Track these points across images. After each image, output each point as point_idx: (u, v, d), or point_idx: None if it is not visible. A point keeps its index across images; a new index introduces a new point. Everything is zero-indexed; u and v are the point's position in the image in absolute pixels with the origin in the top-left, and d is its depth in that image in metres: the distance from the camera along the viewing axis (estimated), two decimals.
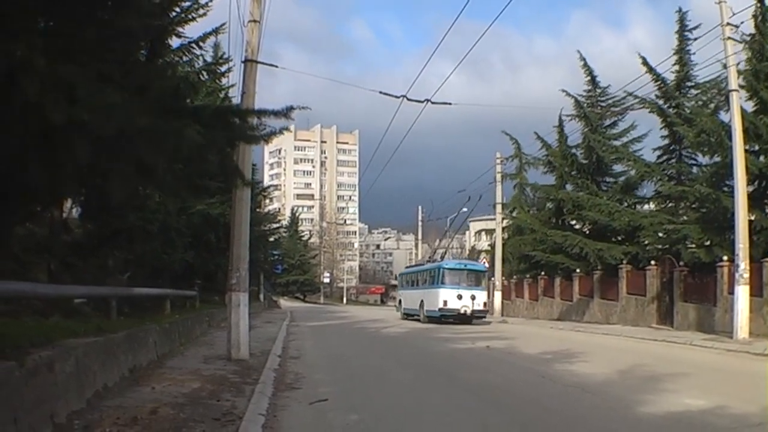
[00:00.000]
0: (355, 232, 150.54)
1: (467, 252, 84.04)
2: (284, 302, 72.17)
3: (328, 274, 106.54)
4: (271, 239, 44.13)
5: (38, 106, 5.30)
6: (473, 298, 28.99)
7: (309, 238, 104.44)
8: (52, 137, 5.92)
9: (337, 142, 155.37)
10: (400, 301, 36.87)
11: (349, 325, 29.11)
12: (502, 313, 38.32)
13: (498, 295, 38.80)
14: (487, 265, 46.28)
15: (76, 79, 5.51)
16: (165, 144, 6.43)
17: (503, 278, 39.90)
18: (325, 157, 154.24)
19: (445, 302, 28.87)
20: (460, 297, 28.87)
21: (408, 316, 33.48)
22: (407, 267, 46.25)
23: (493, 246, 43.11)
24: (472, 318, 28.83)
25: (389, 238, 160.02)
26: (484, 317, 29.64)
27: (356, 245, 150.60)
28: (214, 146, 7.91)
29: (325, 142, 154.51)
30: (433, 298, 29.52)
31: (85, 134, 5.70)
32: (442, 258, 37.13)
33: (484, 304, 29.51)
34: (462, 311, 28.67)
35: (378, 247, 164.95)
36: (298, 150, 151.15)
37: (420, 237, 64.22)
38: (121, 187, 6.79)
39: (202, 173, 9.11)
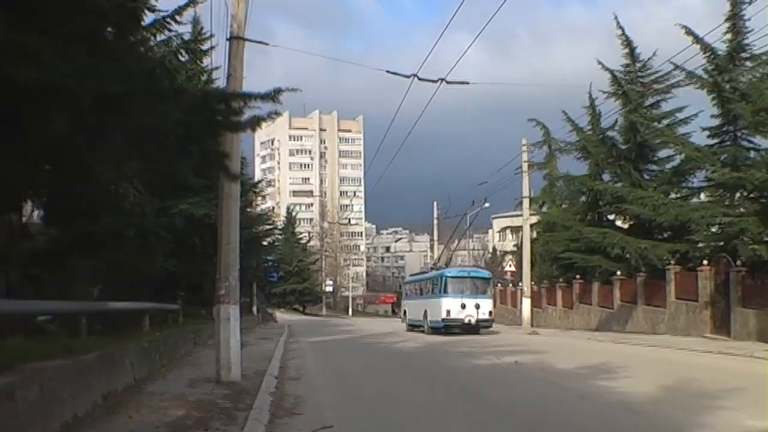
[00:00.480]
0: (361, 233, 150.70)
1: (488, 253, 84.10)
2: (281, 315, 72.21)
3: (330, 282, 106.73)
4: (265, 243, 44.17)
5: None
6: (477, 307, 31.17)
7: (308, 241, 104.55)
8: (20, 108, 5.96)
9: (339, 131, 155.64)
10: (405, 311, 38.97)
11: (356, 339, 29.11)
12: (532, 324, 38.27)
13: (526, 303, 38.73)
14: (513, 268, 46.37)
15: (42, 47, 5.58)
16: (148, 114, 6.50)
17: (532, 283, 39.81)
18: (325, 148, 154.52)
19: (448, 312, 31.06)
20: (463, 306, 31.06)
21: (413, 327, 35.54)
22: (411, 275, 47.88)
23: (519, 246, 43.01)
24: (478, 328, 30.90)
25: (400, 239, 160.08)
26: (490, 326, 31.84)
27: (362, 248, 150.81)
28: (197, 135, 7.91)
29: (324, 130, 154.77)
30: (436, 307, 31.78)
31: (59, 101, 5.76)
32: (447, 265, 38.80)
33: (490, 312, 31.72)
34: (466, 321, 30.87)
35: (388, 249, 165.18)
36: (294, 140, 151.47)
37: (436, 237, 64.02)
38: (105, 161, 6.81)
39: (183, 168, 9.09)
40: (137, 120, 6.72)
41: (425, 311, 33.53)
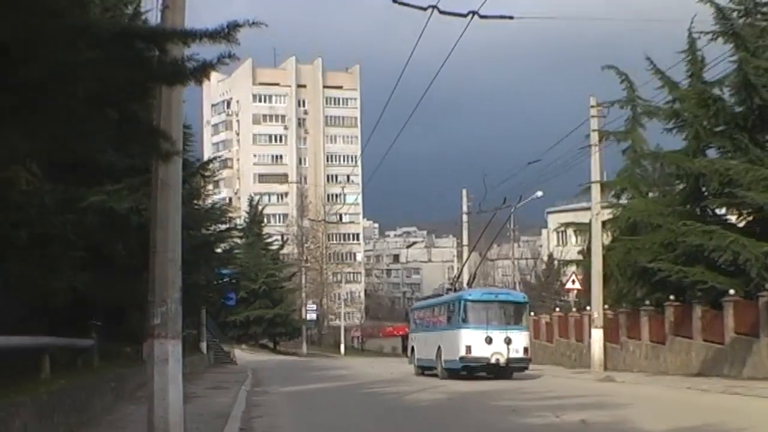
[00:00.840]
0: (358, 235, 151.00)
1: (542, 262, 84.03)
2: (241, 354, 72.26)
3: (313, 307, 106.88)
4: (219, 250, 44.02)
5: None
6: (508, 341, 32.15)
7: (281, 247, 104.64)
8: None
9: (325, 87, 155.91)
10: (412, 348, 40.32)
11: (351, 389, 29.04)
12: (605, 366, 38.19)
13: (597, 336, 38.56)
14: (578, 285, 46.21)
15: None
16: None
17: (606, 307, 39.62)
18: (305, 113, 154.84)
19: (469, 348, 32.16)
20: (489, 341, 32.11)
21: (423, 369, 37.29)
22: (421, 300, 49.63)
23: (587, 253, 42.82)
24: (510, 370, 32.35)
25: (414, 244, 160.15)
26: (526, 368, 33.24)
27: (360, 257, 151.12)
28: (115, 92, 7.82)
29: (304, 86, 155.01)
30: (453, 343, 33.05)
31: None
32: (470, 284, 39.92)
33: (525, 350, 32.87)
34: (493, 361, 32.04)
35: (396, 259, 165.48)
36: (260, 101, 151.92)
37: (465, 240, 63.81)
38: None
39: (95, 141, 9.01)
40: (24, 71, 6.59)
41: (438, 348, 34.56)
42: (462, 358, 32.24)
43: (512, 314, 33.40)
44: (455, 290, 38.83)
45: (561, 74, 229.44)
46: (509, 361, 31.98)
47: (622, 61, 42.80)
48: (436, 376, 34.04)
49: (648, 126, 40.76)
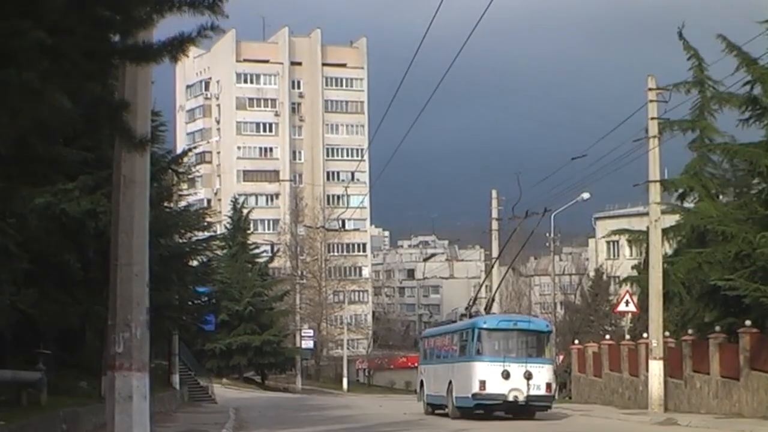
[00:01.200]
0: (365, 245, 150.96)
1: (588, 279, 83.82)
2: (223, 389, 72.23)
3: (310, 333, 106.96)
4: (195, 263, 43.99)
5: None
6: (529, 376, 33.23)
7: (271, 260, 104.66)
8: None
9: (325, 65, 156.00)
10: (421, 382, 41.90)
11: None
12: (666, 406, 38.08)
13: (656, 369, 38.41)
14: (632, 307, 46.09)
15: None
16: None
17: (666, 334, 39.49)
18: (301, 96, 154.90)
19: (483, 384, 33.25)
20: (507, 375, 33.26)
21: (434, 407, 39.01)
22: (431, 328, 52.34)
23: (643, 268, 42.69)
24: (532, 409, 33.80)
25: (433, 256, 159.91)
26: (549, 407, 34.62)
27: (367, 272, 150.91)
28: (70, 69, 7.83)
29: (299, 64, 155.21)
30: (465, 376, 34.40)
31: None
32: (488, 310, 41.75)
33: (548, 386, 34.04)
34: (511, 398, 33.23)
35: (411, 275, 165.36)
36: (246, 81, 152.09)
37: (495, 251, 63.73)
38: None
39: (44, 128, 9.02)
40: None
41: (450, 382, 35.86)
42: (475, 395, 33.26)
43: (534, 345, 34.72)
44: (470, 316, 40.19)
45: (612, 48, 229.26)
46: (529, 398, 32.98)
47: (689, 32, 42.48)
48: (447, 414, 35.70)
49: (721, 116, 40.63)
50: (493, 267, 52.18)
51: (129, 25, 8.28)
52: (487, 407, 33.61)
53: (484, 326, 34.84)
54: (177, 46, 8.59)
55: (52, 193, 19.63)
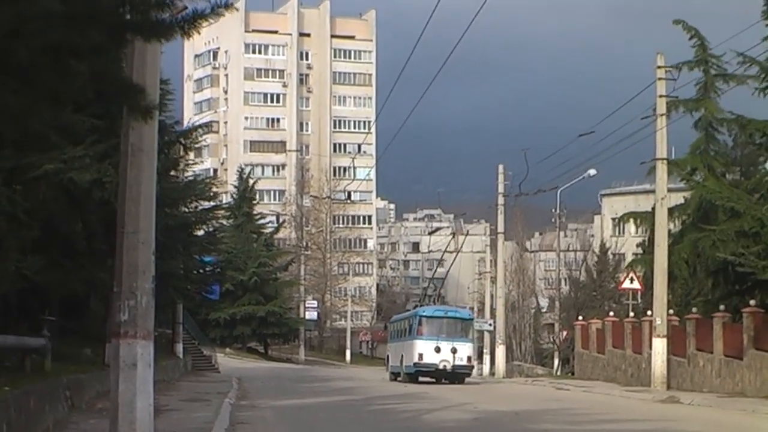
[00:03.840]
0: (370, 217, 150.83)
1: (594, 254, 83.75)
2: (225, 359, 72.33)
3: (314, 304, 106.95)
4: (200, 233, 43.99)
5: None
6: (454, 351, 45.32)
7: (276, 231, 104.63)
8: None
9: (333, 36, 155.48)
10: (387, 356, 56.72)
11: (357, 405, 29.10)
12: (668, 384, 38.16)
13: (660, 347, 38.35)
14: (636, 284, 46.06)
15: None
16: None
17: (670, 313, 39.46)
18: (309, 67, 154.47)
19: (421, 356, 45.45)
20: (438, 350, 45.29)
21: (395, 375, 50.85)
22: (396, 315, 65.21)
23: (648, 245, 42.64)
24: (455, 375, 45.48)
25: (438, 230, 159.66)
26: (469, 374, 47.69)
27: (372, 245, 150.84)
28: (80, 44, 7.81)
29: (307, 35, 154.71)
30: (410, 350, 46.80)
31: None
32: (435, 301, 56.99)
33: (468, 358, 46.64)
34: (441, 366, 45.18)
35: (416, 248, 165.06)
36: (254, 52, 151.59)
37: (501, 227, 63.71)
38: None
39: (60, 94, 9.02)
40: None
41: (401, 356, 48.51)
42: (416, 364, 45.55)
43: (459, 329, 47.12)
44: (421, 305, 54.47)
45: (619, 28, 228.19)
46: (455, 367, 45.18)
47: (703, 17, 42.50)
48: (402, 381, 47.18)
49: (730, 93, 40.52)
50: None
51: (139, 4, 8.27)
52: (424, 373, 45.65)
53: (424, 314, 47.68)
54: (189, 22, 8.55)
55: (61, 160, 19.54)
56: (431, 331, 46.00)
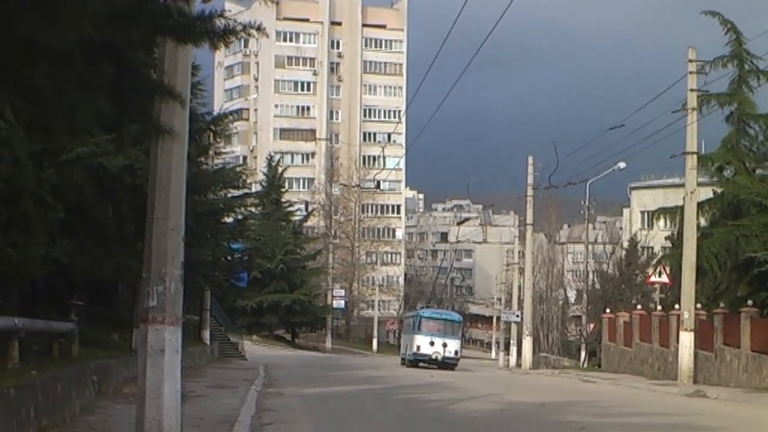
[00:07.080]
0: (399, 207, 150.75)
1: (622, 249, 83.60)
2: (252, 346, 72.52)
3: (342, 293, 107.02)
4: (229, 220, 44.03)
5: None
6: (445, 345, 56.51)
7: (305, 219, 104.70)
8: None
9: (365, 26, 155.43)
10: (400, 346, 70.96)
11: (384, 393, 29.17)
12: (695, 378, 38.05)
13: (687, 341, 38.22)
14: (664, 278, 45.82)
15: None
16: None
17: (698, 307, 39.25)
18: (340, 56, 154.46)
19: (419, 347, 56.70)
20: (432, 344, 56.30)
21: (403, 361, 61.23)
22: (409, 312, 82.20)
23: (677, 239, 42.42)
24: (445, 363, 55.30)
25: (467, 220, 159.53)
26: (456, 364, 56.88)
27: (400, 235, 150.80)
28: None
29: (338, 24, 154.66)
30: (411, 343, 58.18)
31: None
32: (433, 304, 73.45)
33: (456, 352, 57.67)
34: (433, 357, 56.02)
35: (444, 238, 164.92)
36: (285, 40, 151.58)
37: (529, 218, 63.58)
38: None
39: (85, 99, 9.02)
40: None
41: (407, 346, 60.63)
42: (414, 353, 56.84)
43: (449, 328, 58.96)
44: (427, 306, 72.10)
45: (652, 20, 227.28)
46: (444, 358, 56.03)
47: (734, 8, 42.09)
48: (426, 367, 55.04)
49: (758, 93, 40.28)
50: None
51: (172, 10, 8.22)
52: (421, 361, 56.12)
53: (423, 315, 60.57)
54: (219, 35, 8.51)
55: (93, 144, 19.51)
56: (428, 329, 57.60)
